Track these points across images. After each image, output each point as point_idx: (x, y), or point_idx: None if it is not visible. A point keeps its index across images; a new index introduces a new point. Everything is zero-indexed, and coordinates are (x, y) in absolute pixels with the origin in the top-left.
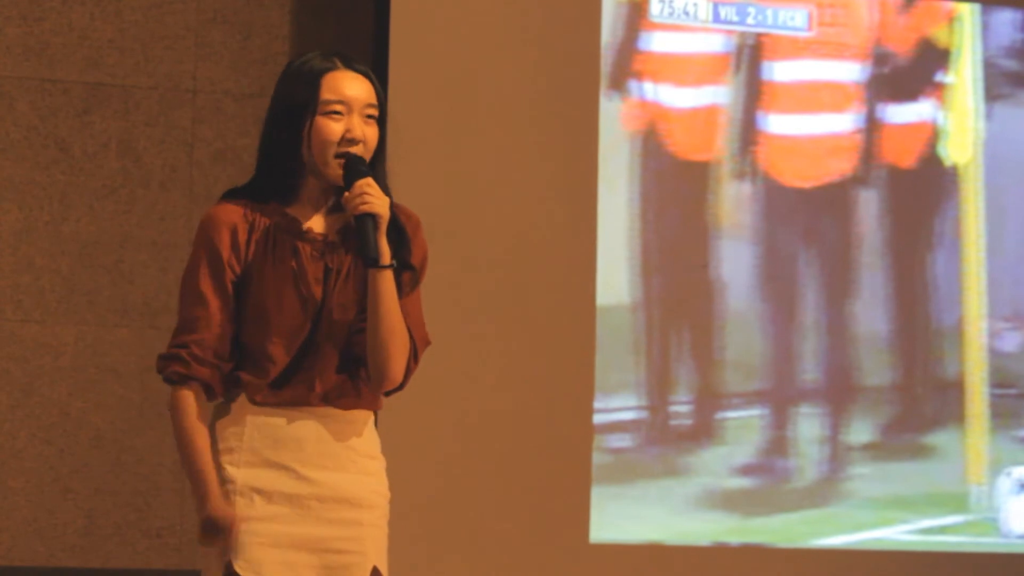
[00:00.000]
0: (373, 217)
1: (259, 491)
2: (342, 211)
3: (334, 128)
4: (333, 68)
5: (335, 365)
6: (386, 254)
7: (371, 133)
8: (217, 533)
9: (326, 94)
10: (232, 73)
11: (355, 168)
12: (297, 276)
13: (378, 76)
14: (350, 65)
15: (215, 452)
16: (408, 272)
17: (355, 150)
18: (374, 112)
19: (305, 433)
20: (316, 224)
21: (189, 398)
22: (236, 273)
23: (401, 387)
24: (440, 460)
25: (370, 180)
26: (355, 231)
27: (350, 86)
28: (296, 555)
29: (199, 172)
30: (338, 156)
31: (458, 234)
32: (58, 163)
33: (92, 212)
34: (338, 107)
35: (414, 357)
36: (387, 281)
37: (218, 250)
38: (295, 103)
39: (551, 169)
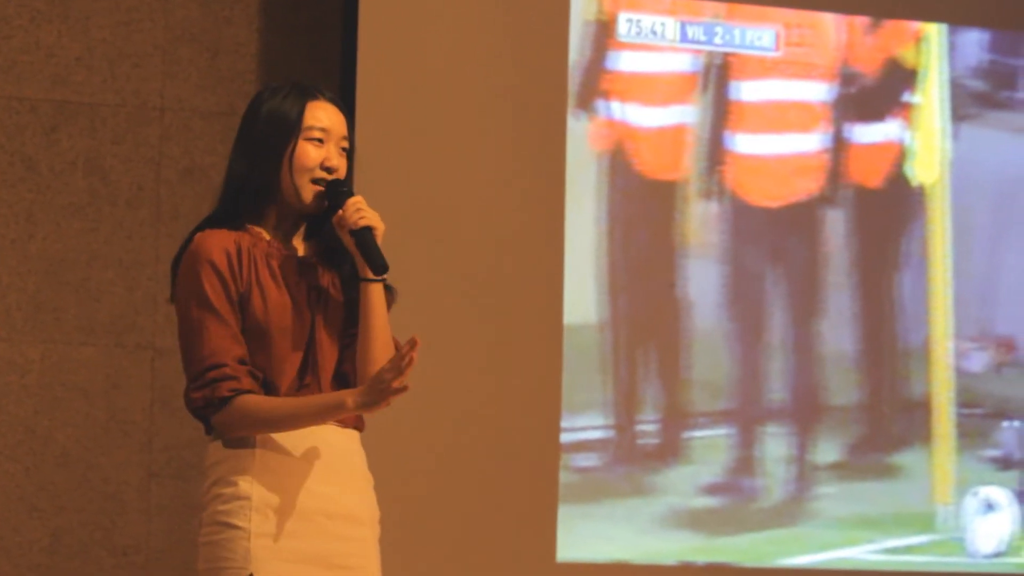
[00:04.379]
0: (371, 230)
1: (273, 507)
2: (311, 236)
3: (313, 154)
4: (315, 98)
5: (331, 382)
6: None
7: (343, 165)
8: (383, 391)
9: (309, 121)
10: (200, 91)
11: (340, 190)
12: (293, 297)
13: (346, 95)
14: (328, 97)
15: (226, 470)
16: (387, 291)
17: (332, 177)
18: (347, 145)
19: (313, 450)
20: (294, 247)
21: (254, 397)
22: (237, 295)
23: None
24: (406, 479)
25: (360, 198)
26: (358, 245)
27: (329, 117)
28: (309, 570)
29: (166, 190)
30: (315, 182)
31: (425, 253)
32: (25, 181)
33: (59, 230)
34: (319, 134)
35: None
36: (380, 294)
37: (221, 273)
38: (278, 128)
39: (518, 188)
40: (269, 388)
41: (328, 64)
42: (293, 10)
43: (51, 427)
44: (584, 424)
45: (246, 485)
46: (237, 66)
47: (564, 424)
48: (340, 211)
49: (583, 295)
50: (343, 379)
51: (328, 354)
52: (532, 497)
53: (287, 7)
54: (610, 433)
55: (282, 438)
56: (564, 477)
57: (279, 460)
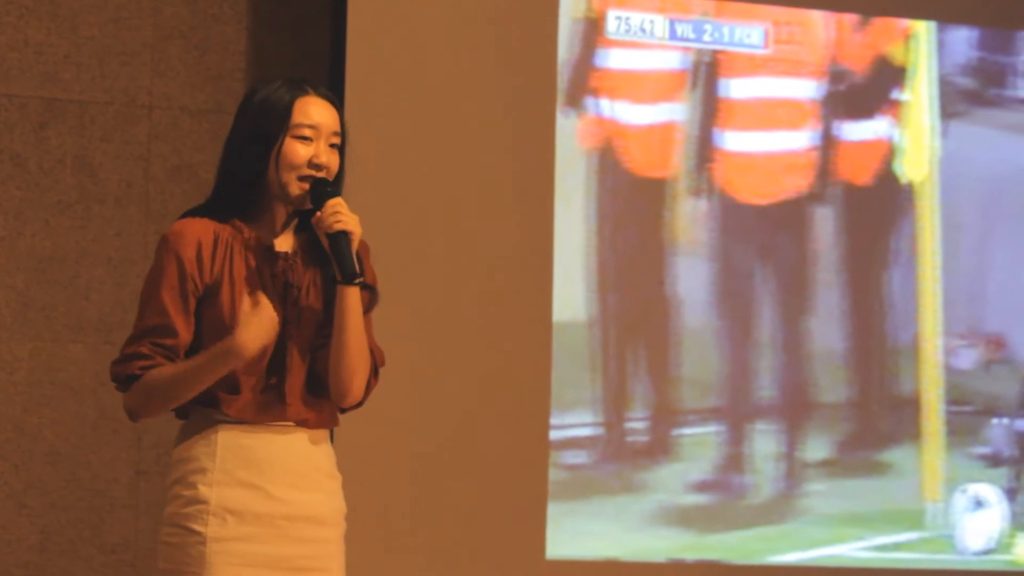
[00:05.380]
0: (346, 234)
1: (232, 511)
2: (302, 232)
3: (301, 152)
4: (305, 94)
5: (300, 381)
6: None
7: (334, 161)
8: (256, 330)
9: (298, 117)
10: (188, 89)
11: (322, 190)
12: (266, 292)
13: (334, 92)
14: (319, 92)
15: (186, 471)
16: (367, 292)
17: (319, 176)
18: (338, 140)
19: (274, 452)
20: (277, 243)
21: (156, 369)
22: (199, 288)
23: (360, 404)
24: (396, 476)
25: (340, 200)
26: (332, 248)
27: (319, 112)
28: (267, 574)
29: (155, 188)
30: (302, 179)
31: (414, 251)
32: (14, 178)
33: (48, 227)
34: (308, 131)
35: (374, 374)
36: (355, 298)
37: (183, 263)
38: (266, 123)
39: (507, 186)
40: (231, 382)
41: (317, 62)
42: (282, 7)
43: (40, 425)
44: (573, 421)
45: (205, 489)
46: (226, 64)
47: (553, 421)
48: (319, 212)
49: (572, 292)
50: (315, 379)
51: (298, 352)
52: (521, 494)
53: (276, 4)
54: (599, 430)
55: (243, 440)
56: (553, 474)
57: (240, 463)
